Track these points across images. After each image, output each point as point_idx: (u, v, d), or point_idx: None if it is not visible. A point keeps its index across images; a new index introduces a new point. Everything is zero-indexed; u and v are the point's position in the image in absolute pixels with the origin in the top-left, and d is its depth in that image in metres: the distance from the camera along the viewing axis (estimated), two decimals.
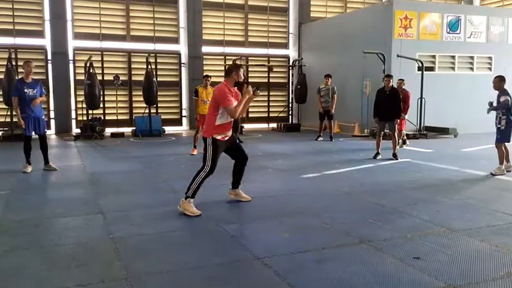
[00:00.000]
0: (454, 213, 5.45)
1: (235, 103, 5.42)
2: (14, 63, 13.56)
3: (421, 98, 13.10)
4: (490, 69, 14.65)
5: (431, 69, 13.98)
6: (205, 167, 5.41)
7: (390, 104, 9.46)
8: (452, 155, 10.24)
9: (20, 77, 8.18)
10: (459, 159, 9.47)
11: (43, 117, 8.17)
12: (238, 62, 15.80)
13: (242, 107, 5.47)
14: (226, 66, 16.04)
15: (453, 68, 14.44)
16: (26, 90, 7.79)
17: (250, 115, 17.51)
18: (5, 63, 13.12)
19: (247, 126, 16.08)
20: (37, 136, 8.10)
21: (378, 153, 9.63)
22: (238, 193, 6.00)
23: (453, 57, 14.35)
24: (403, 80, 11.08)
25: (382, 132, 9.92)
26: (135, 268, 3.74)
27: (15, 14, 14.32)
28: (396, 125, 9.65)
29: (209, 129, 5.46)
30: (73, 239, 4.46)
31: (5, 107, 13.00)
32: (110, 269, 3.74)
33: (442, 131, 13.50)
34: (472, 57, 14.58)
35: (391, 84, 9.59)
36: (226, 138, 5.54)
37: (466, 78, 14.31)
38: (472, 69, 14.61)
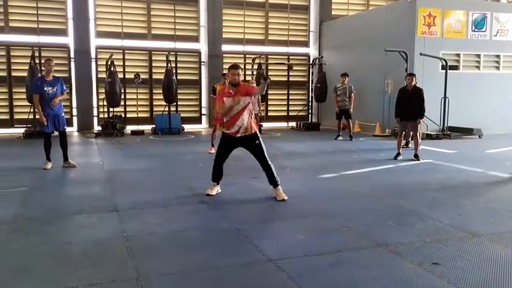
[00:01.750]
0: (476, 217, 5.26)
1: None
2: (37, 61, 13.79)
3: (445, 97, 12.76)
4: None
5: (456, 68, 13.62)
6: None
7: (412, 104, 9.23)
8: (476, 156, 9.94)
9: (40, 75, 8.28)
10: (483, 160, 9.19)
11: (63, 114, 8.24)
12: (258, 61, 15.75)
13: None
14: (246, 65, 16.18)
15: (478, 67, 14.03)
16: (45, 88, 7.87)
17: (269, 114, 17.43)
18: (29, 61, 13.37)
19: (266, 125, 15.98)
20: (57, 133, 8.19)
21: (398, 154, 9.42)
22: (274, 191, 5.99)
23: (478, 55, 13.94)
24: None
25: (404, 133, 9.71)
26: (146, 268, 3.70)
27: (39, 12, 14.57)
28: (419, 125, 9.42)
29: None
30: (86, 237, 4.46)
31: (28, 104, 13.23)
32: (121, 268, 3.72)
33: (466, 132, 13.13)
34: (498, 56, 14.13)
35: (413, 83, 9.36)
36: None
37: (492, 77, 13.90)
38: (498, 68, 14.18)
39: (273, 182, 5.94)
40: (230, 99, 5.77)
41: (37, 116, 11.59)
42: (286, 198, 5.85)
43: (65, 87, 8.28)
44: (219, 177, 6.13)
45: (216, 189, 6.14)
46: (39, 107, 7.94)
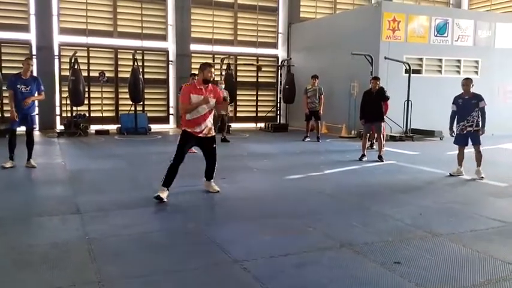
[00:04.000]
0: (437, 217, 5.42)
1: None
2: None
3: (408, 100, 13.11)
4: (476, 73, 14.73)
5: (419, 72, 14.02)
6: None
7: (376, 106, 9.45)
8: (437, 157, 10.25)
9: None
10: (444, 162, 9.47)
11: (34, 113, 8.13)
12: (227, 61, 15.72)
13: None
14: (215, 65, 16.09)
15: (440, 71, 14.48)
16: (18, 86, 7.75)
17: (238, 114, 17.42)
18: None
19: (234, 125, 15.96)
20: (24, 132, 8.03)
21: (363, 155, 9.60)
22: (208, 184, 6.29)
23: (440, 60, 14.40)
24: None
25: (368, 134, 9.91)
26: (109, 271, 3.63)
27: None
28: (382, 127, 9.64)
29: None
30: (47, 240, 4.33)
31: None
32: (82, 272, 3.62)
33: (428, 134, 13.54)
34: (459, 61, 14.63)
35: (377, 86, 9.58)
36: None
37: (453, 81, 14.14)
38: (458, 72, 14.64)
39: (210, 177, 6.24)
40: (198, 96, 5.77)
41: None
42: (219, 189, 6.23)
43: (42, 87, 8.13)
44: (172, 182, 5.80)
45: (167, 193, 5.77)
46: (12, 103, 7.82)
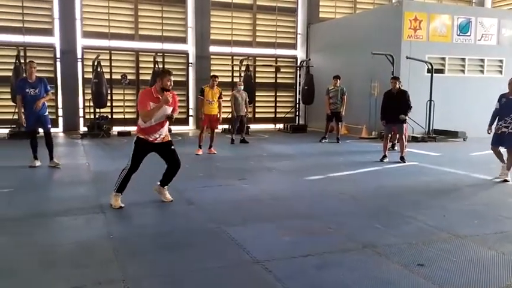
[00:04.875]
0: (460, 218, 5.33)
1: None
2: (22, 61, 13.62)
3: (430, 100, 12.93)
4: (500, 72, 14.43)
5: (441, 71, 13.80)
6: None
7: (398, 107, 9.33)
8: (461, 159, 10.08)
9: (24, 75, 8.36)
10: (468, 163, 9.33)
11: (46, 113, 8.27)
12: (246, 63, 15.76)
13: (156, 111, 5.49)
14: (234, 67, 16.20)
15: (463, 71, 14.24)
16: (27, 90, 7.92)
17: (256, 115, 17.46)
18: (14, 60, 13.20)
19: (253, 126, 16.00)
20: (42, 133, 8.19)
21: (385, 156, 9.51)
22: (162, 190, 5.90)
23: (463, 59, 14.15)
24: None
25: (390, 135, 9.81)
26: (133, 270, 3.69)
27: (24, 12, 14.39)
28: (404, 128, 9.52)
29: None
30: (72, 239, 4.42)
31: (13, 104, 13.05)
32: (107, 270, 3.69)
33: (451, 135, 13.31)
34: (482, 60, 14.37)
35: (397, 86, 9.47)
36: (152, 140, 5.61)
37: (476, 81, 14.11)
38: (482, 72, 14.40)
39: (167, 182, 5.89)
40: (154, 104, 5.53)
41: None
42: (172, 199, 5.84)
43: (49, 87, 8.28)
44: (125, 188, 5.70)
45: (120, 198, 5.66)
46: (20, 107, 8.04)
